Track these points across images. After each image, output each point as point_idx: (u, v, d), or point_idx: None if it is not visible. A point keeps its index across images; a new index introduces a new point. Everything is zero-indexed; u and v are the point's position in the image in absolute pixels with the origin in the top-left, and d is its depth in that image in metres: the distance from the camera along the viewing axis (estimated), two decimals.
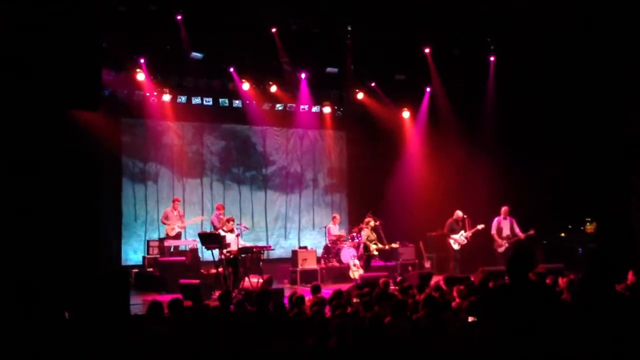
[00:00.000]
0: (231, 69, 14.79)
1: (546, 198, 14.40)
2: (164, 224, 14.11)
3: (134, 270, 13.61)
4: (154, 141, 15.64)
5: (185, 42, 13.26)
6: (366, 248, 14.29)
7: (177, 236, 14.11)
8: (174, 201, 14.35)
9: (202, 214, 15.51)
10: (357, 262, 14.30)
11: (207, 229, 14.75)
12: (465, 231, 14.16)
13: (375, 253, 14.35)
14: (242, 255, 12.33)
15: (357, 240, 14.78)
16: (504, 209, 13.92)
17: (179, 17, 12.77)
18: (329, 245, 15.19)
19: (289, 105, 16.41)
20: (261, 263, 12.98)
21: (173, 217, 14.09)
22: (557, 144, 14.44)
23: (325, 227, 15.83)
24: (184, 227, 14.38)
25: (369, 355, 5.04)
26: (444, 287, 8.62)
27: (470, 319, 6.09)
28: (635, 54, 12.90)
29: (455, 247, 14.18)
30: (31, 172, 9.23)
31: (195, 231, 14.25)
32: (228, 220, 12.94)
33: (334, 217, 15.88)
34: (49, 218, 9.40)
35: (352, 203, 17.65)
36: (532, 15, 12.88)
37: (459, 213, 14.26)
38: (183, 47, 13.38)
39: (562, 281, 8.08)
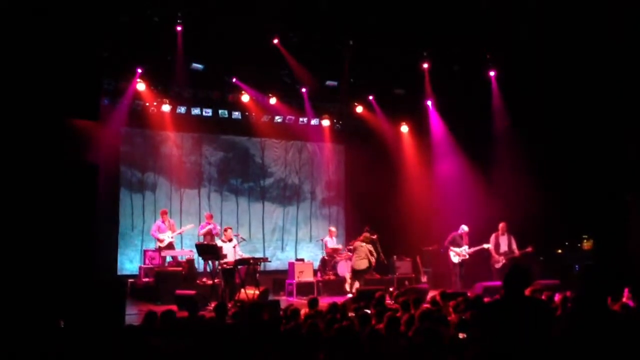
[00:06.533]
0: (234, 80, 14.83)
1: (543, 215, 14.39)
2: (156, 237, 14.09)
3: (129, 280, 13.57)
4: (152, 151, 15.67)
5: (185, 54, 13.30)
6: None
7: (170, 246, 14.12)
8: (162, 214, 14.39)
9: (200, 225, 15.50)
10: None
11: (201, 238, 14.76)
12: (469, 248, 14.10)
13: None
14: (239, 267, 12.31)
15: None
16: (501, 225, 13.89)
17: (179, 29, 12.81)
18: (326, 258, 15.18)
19: (288, 117, 16.44)
20: (258, 275, 12.97)
21: (164, 228, 14.15)
22: (556, 161, 14.46)
23: (322, 240, 15.83)
24: (173, 238, 14.32)
25: None
26: (440, 302, 8.60)
27: (461, 335, 6.05)
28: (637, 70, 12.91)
29: (455, 260, 14.10)
30: (29, 181, 9.23)
31: (192, 241, 14.23)
32: (226, 230, 13.02)
33: (330, 231, 15.86)
34: (46, 226, 9.38)
35: (350, 216, 17.63)
36: (533, 31, 12.91)
37: (464, 228, 14.19)
38: (183, 58, 13.41)
39: (558, 298, 8.08)
